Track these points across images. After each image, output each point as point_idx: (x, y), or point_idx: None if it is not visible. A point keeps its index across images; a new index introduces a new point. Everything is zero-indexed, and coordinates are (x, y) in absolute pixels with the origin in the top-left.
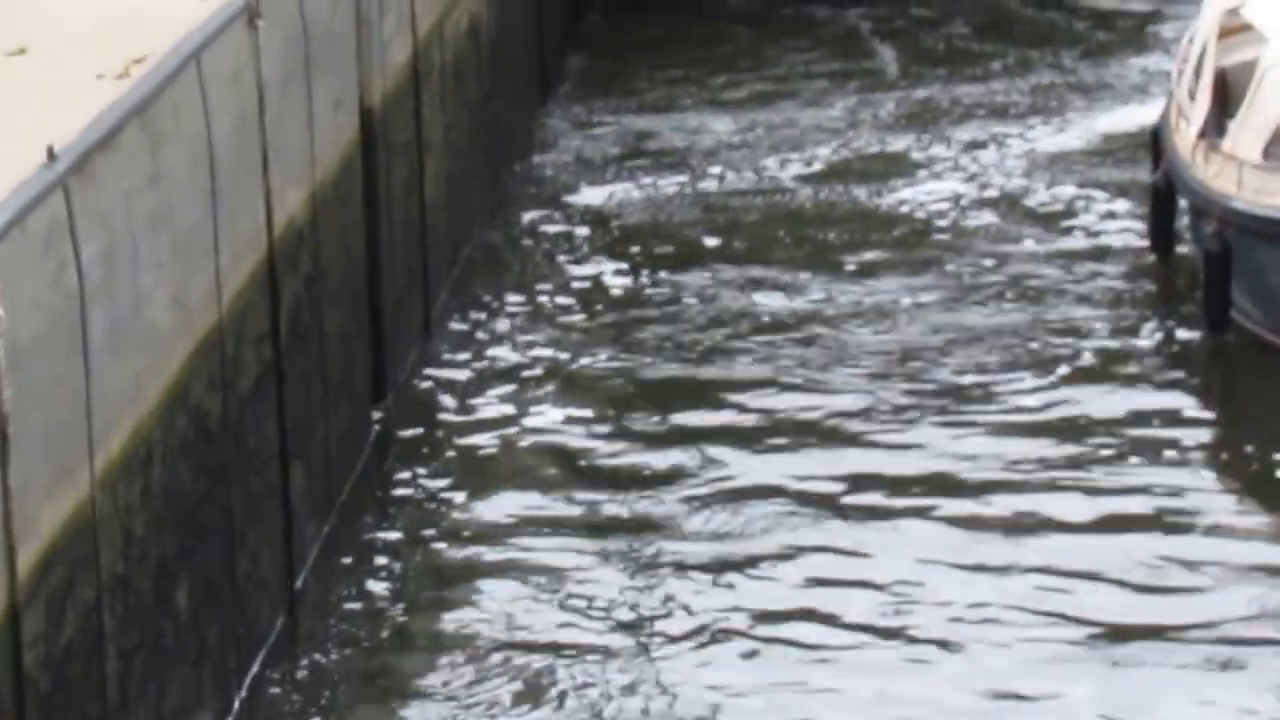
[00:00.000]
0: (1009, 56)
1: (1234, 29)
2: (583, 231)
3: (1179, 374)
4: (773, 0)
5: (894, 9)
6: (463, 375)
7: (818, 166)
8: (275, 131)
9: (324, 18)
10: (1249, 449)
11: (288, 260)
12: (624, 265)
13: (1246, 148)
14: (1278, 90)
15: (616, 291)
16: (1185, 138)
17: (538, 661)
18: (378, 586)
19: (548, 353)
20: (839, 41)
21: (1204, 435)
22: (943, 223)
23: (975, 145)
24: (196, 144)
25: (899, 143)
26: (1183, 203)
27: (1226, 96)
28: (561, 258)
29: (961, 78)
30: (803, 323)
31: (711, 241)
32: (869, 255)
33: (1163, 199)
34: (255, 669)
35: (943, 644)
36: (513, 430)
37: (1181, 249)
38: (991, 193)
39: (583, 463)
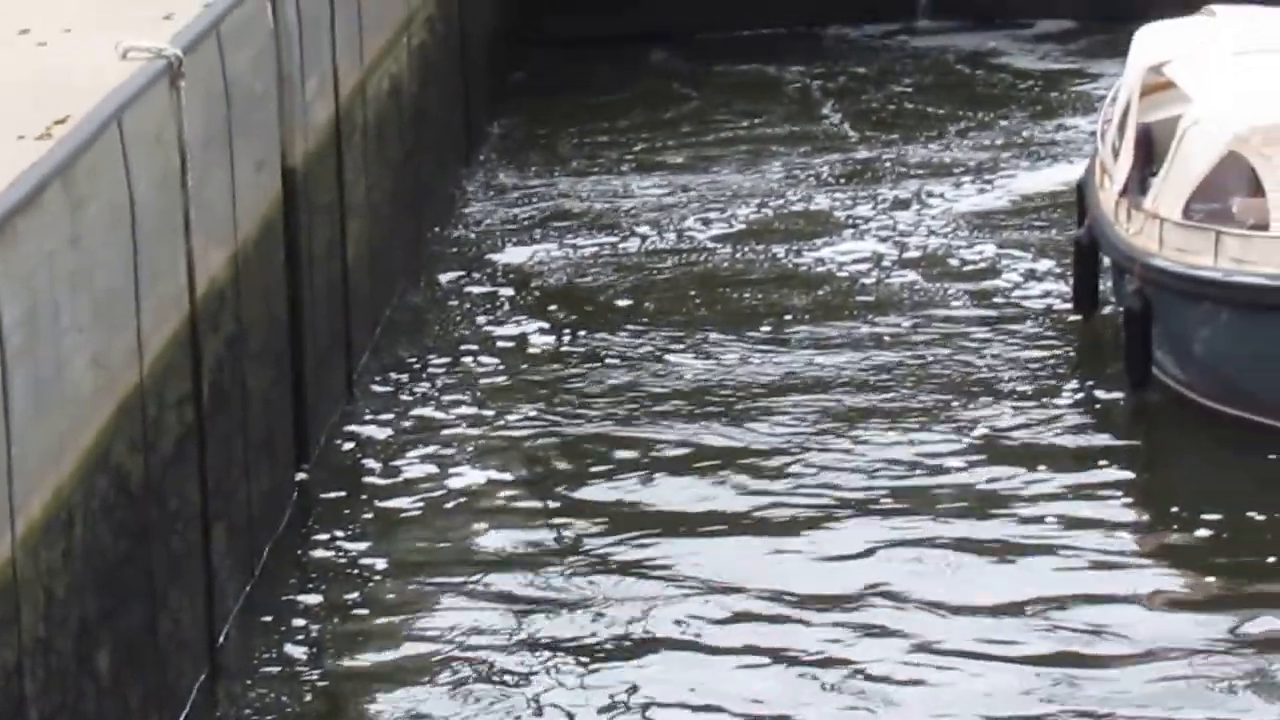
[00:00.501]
0: (940, 115)
1: (1157, 86)
2: (505, 292)
3: (1101, 433)
4: (705, 58)
5: (831, 66)
6: (385, 436)
7: (741, 226)
8: (197, 192)
9: (246, 78)
10: (1172, 509)
11: (210, 321)
12: (546, 325)
13: (1168, 205)
14: (1198, 148)
15: (539, 352)
16: (1108, 195)
17: None
18: (298, 649)
19: (471, 413)
20: (769, 99)
21: (1126, 495)
22: (866, 282)
23: (901, 204)
24: (118, 205)
25: (825, 201)
26: (1106, 260)
27: (1150, 154)
28: (484, 318)
29: (892, 136)
30: (723, 383)
31: (633, 302)
32: (790, 315)
33: (1086, 256)
34: None
35: (850, 711)
36: (436, 492)
37: (1106, 308)
38: (914, 252)
39: (506, 525)
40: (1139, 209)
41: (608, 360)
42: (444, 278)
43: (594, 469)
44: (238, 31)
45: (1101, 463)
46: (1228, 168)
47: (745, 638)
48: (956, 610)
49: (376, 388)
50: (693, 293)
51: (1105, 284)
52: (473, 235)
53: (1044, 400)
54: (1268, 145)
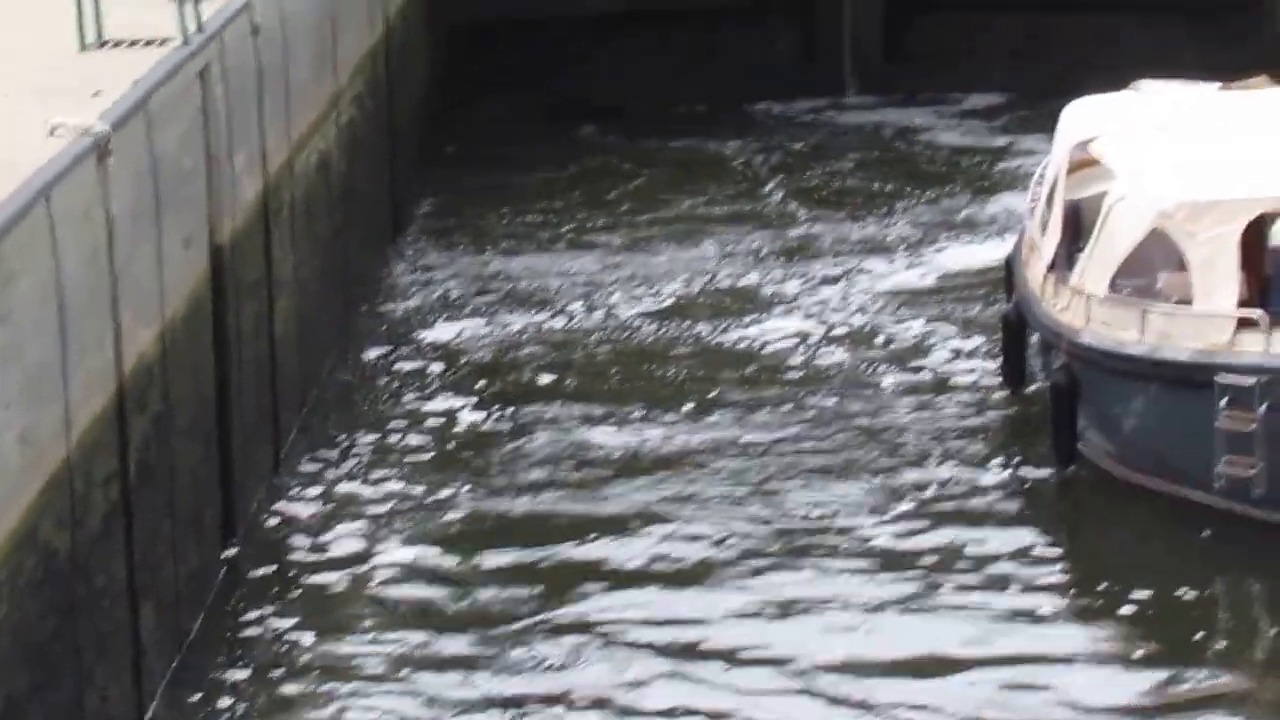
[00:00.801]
0: (871, 191)
1: (1085, 163)
2: (434, 368)
3: (1028, 508)
4: (636, 133)
5: (763, 142)
6: (313, 512)
7: (670, 303)
8: (125, 269)
9: (174, 155)
10: (1098, 584)
11: (137, 398)
12: (474, 401)
13: (1094, 281)
14: (1124, 224)
15: (466, 428)
16: (1036, 271)
17: None
18: None
19: (398, 489)
20: (700, 175)
21: (1053, 571)
22: (794, 358)
23: (831, 280)
24: (45, 281)
25: (755, 278)
26: (1034, 336)
27: (1078, 230)
28: (411, 395)
29: (823, 212)
30: (649, 460)
31: (560, 378)
32: (715, 392)
33: (1014, 332)
34: None
35: None
36: (362, 567)
37: (1033, 384)
38: (843, 329)
39: (432, 600)
40: (1066, 285)
41: (534, 436)
42: (372, 354)
43: (520, 542)
44: (166, 109)
45: (1028, 538)
46: (1153, 244)
47: (671, 698)
48: (888, 668)
49: (304, 464)
50: (619, 369)
51: (1033, 360)
52: (401, 312)
53: (971, 476)
54: (1191, 221)
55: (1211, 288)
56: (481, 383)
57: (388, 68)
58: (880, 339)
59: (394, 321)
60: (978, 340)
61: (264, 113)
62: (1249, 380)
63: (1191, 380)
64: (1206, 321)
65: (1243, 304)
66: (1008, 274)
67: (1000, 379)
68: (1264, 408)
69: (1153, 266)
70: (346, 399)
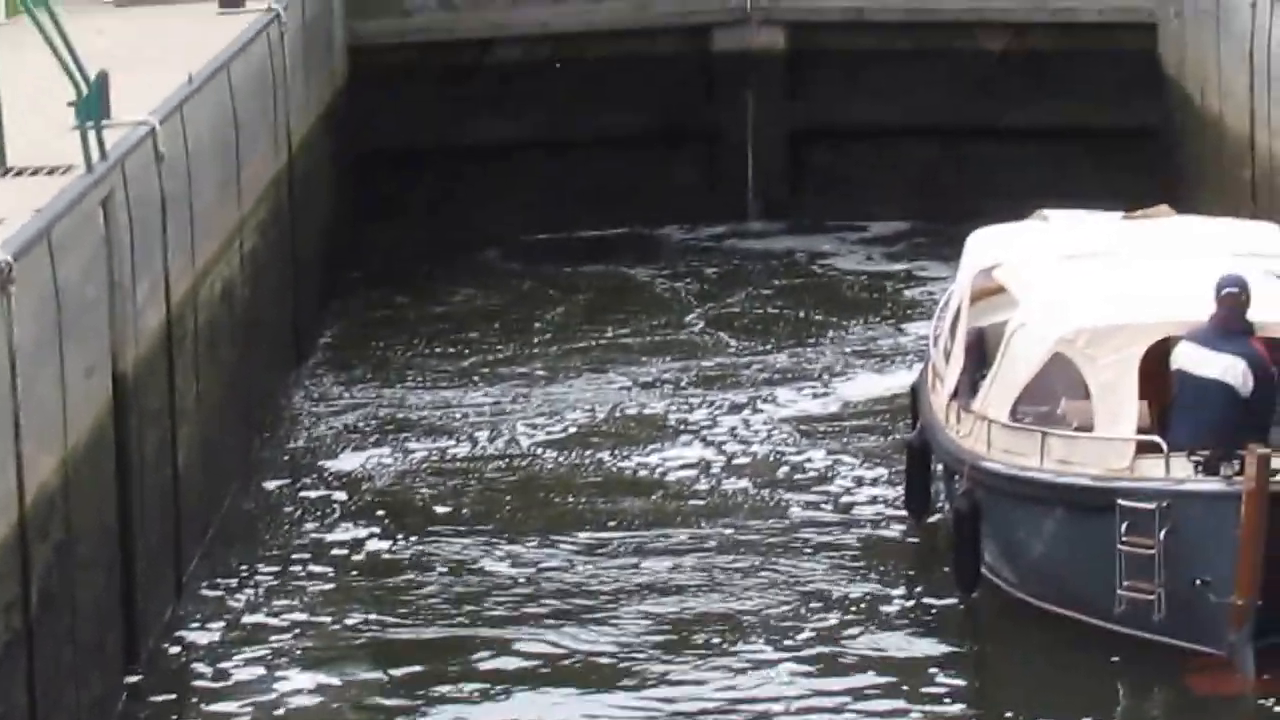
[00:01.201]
0: (775, 318)
1: (989, 291)
2: (336, 497)
3: (932, 637)
4: (540, 259)
5: (665, 268)
6: (215, 640)
7: (574, 431)
8: (27, 397)
9: (76, 283)
10: (1004, 711)
11: (39, 526)
12: (376, 531)
13: (996, 407)
14: (1025, 350)
15: (367, 557)
16: (940, 398)
17: None
18: None
19: (301, 618)
20: (604, 301)
21: (957, 701)
22: (697, 487)
23: (736, 408)
24: None
25: (659, 406)
26: (937, 463)
27: (982, 358)
28: (313, 524)
29: (727, 340)
30: (549, 589)
31: (461, 508)
32: (614, 521)
33: (918, 460)
34: None
35: None
36: (265, 696)
37: (938, 513)
38: (746, 458)
39: None
40: (969, 411)
41: (435, 566)
42: (274, 482)
43: (421, 674)
44: (69, 237)
45: (932, 668)
46: (1054, 370)
47: None
48: None
49: (206, 592)
50: (520, 498)
51: (938, 487)
52: (303, 440)
53: (875, 604)
54: (1093, 346)
55: (1112, 413)
56: (383, 512)
57: (291, 195)
58: (784, 467)
59: (297, 450)
60: (882, 468)
61: (168, 240)
62: (1149, 505)
63: (1092, 505)
64: (1107, 446)
65: (1144, 429)
66: (913, 401)
67: (904, 506)
68: (1164, 532)
69: (1055, 393)
70: (249, 527)
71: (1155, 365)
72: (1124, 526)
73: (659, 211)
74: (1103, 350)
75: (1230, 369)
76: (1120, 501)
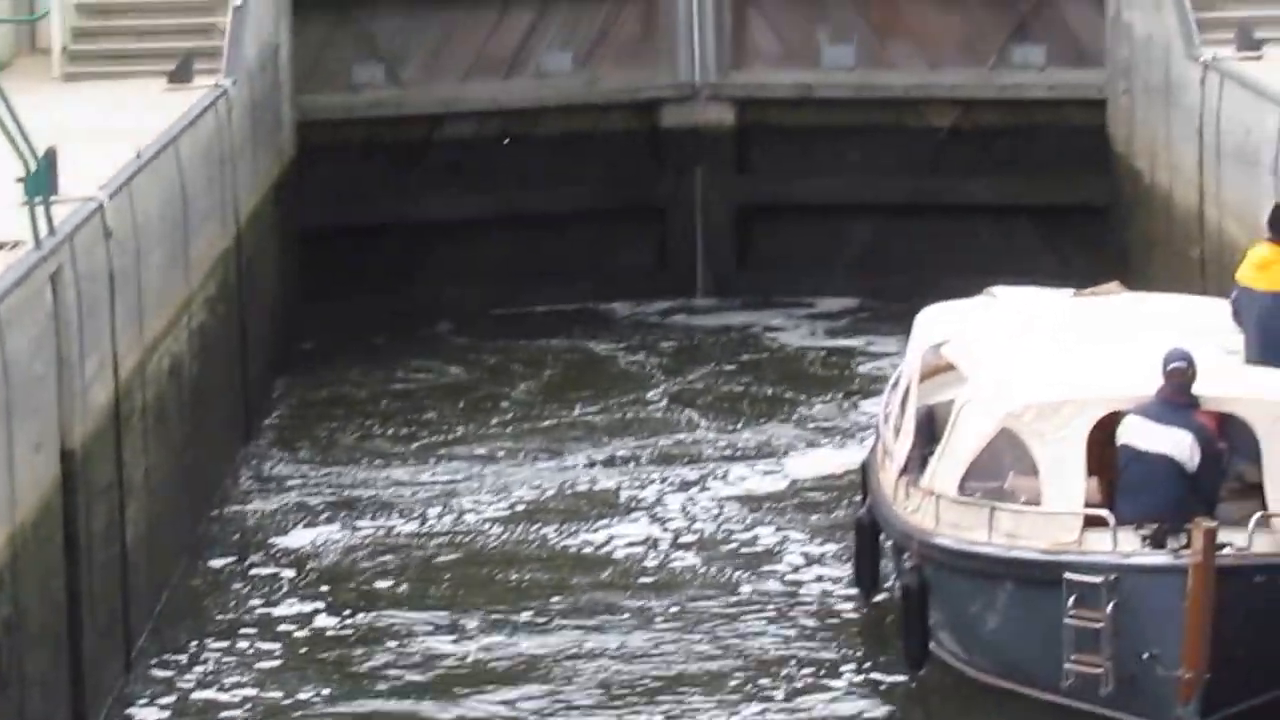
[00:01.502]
0: (726, 394)
1: (939, 368)
2: (285, 574)
3: (881, 713)
4: (490, 334)
5: (616, 343)
6: (164, 718)
7: (522, 508)
8: None
9: (24, 360)
10: None
11: None
12: (323, 606)
13: (944, 482)
14: (972, 425)
15: (315, 634)
16: (889, 474)
17: None
18: None
19: (249, 693)
20: (556, 376)
21: None
22: (645, 563)
23: (685, 485)
24: None
25: (610, 481)
26: (887, 539)
27: (932, 434)
28: (260, 600)
29: (678, 416)
30: (496, 667)
31: (409, 586)
32: (567, 598)
33: (867, 536)
34: None
35: None
36: None
37: (887, 587)
38: (693, 535)
39: None
40: (917, 487)
41: (383, 641)
42: (223, 559)
43: None
44: (17, 313)
45: None
46: (1002, 445)
47: None
48: None
49: (155, 669)
50: (468, 575)
51: (887, 564)
52: (252, 517)
53: (824, 680)
54: (1039, 421)
55: (1059, 487)
56: (330, 588)
57: (239, 271)
58: (733, 544)
59: (245, 527)
60: (832, 545)
61: (116, 316)
62: (1096, 579)
63: (1039, 579)
64: (1054, 520)
65: (1094, 504)
66: (863, 478)
67: (853, 583)
68: (1111, 606)
69: (1003, 468)
70: (197, 604)
71: (1104, 439)
72: (1071, 600)
73: (609, 287)
74: (1049, 425)
75: (1177, 443)
76: (1067, 575)
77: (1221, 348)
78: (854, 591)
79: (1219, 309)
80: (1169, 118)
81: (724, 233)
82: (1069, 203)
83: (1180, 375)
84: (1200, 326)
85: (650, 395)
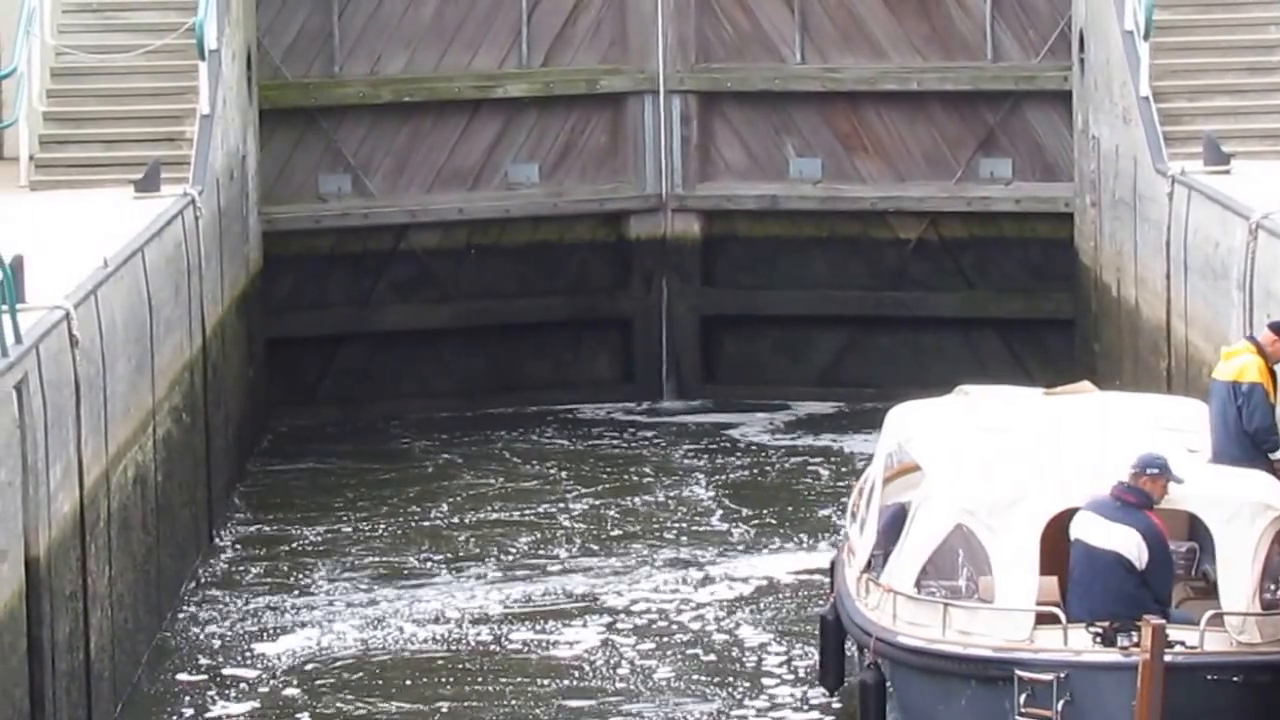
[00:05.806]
0: (695, 497)
1: (909, 467)
2: (243, 682)
3: None
4: (455, 440)
5: (576, 444)
6: None
7: (484, 617)
8: None
9: None
10: None
11: None
12: (280, 715)
13: (900, 579)
14: (929, 522)
15: None
16: (853, 571)
17: None
18: None
19: None
20: (519, 481)
21: None
22: (617, 669)
23: (653, 587)
24: None
25: (578, 585)
26: (850, 636)
27: (898, 533)
28: (220, 709)
29: (649, 518)
30: None
31: (367, 696)
32: (538, 703)
33: (831, 632)
34: None
35: None
36: None
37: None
38: (664, 636)
39: None
40: (877, 584)
41: None
42: (182, 669)
43: None
44: None
45: None
46: (958, 541)
47: None
48: None
49: None
50: (432, 683)
51: (851, 660)
52: (211, 626)
53: None
54: (993, 518)
55: (1012, 584)
56: (291, 693)
57: (205, 380)
58: (701, 643)
59: (205, 635)
60: (799, 643)
61: (81, 425)
62: (1047, 676)
63: (991, 676)
64: (1006, 617)
65: (1050, 601)
66: (831, 576)
67: (818, 680)
68: (1062, 703)
69: (957, 564)
70: (157, 714)
71: (1056, 537)
72: (1022, 698)
73: (574, 394)
74: (1002, 521)
75: (1124, 541)
76: (1019, 673)
77: (1184, 447)
78: (818, 688)
79: (1190, 408)
80: (1136, 231)
81: (690, 344)
82: (1036, 315)
83: (1152, 482)
84: (1166, 425)
85: (614, 496)
